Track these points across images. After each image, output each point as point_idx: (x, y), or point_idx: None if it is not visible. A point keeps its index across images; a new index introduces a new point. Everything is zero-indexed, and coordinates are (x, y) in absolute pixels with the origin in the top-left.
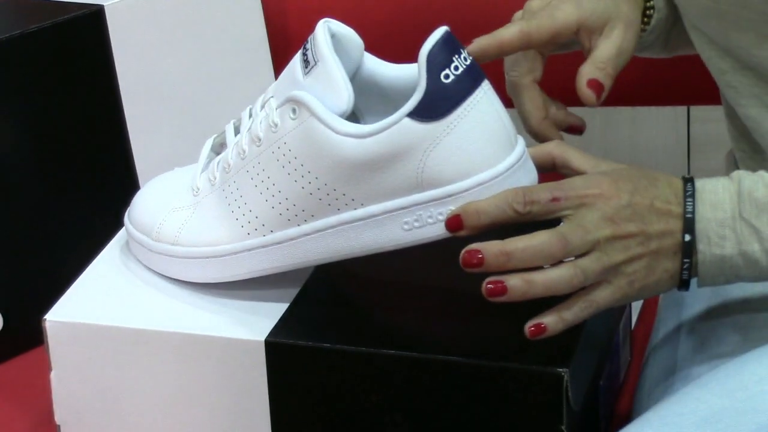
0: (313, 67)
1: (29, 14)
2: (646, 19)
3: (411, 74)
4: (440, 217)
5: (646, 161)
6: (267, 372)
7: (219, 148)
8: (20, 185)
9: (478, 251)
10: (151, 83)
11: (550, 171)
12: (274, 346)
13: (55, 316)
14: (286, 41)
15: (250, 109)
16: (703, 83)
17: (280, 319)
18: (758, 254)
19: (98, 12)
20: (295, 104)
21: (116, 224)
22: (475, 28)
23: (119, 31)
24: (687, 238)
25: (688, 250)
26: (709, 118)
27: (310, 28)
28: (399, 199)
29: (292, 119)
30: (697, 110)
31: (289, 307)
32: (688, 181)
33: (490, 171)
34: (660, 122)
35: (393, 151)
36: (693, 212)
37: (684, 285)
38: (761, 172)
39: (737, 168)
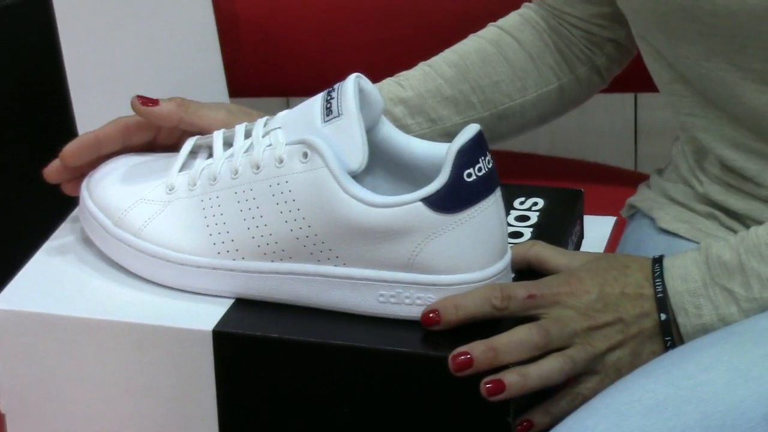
0: (335, 118)
1: None
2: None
3: (421, 150)
4: (418, 301)
5: (594, 147)
6: (214, 362)
7: (198, 149)
8: None
9: (465, 352)
10: (98, 67)
11: (525, 272)
12: (221, 336)
13: (0, 305)
14: (234, 24)
15: (247, 128)
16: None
17: (228, 309)
18: (737, 316)
19: None
20: (309, 149)
21: (63, 211)
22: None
23: (66, 14)
24: (663, 317)
25: (668, 327)
26: (656, 105)
27: (258, 11)
28: (384, 272)
29: (302, 163)
30: (644, 97)
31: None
32: (657, 261)
33: (479, 273)
34: (607, 108)
35: (396, 227)
36: (663, 290)
37: None
38: (727, 237)
39: (689, 163)
